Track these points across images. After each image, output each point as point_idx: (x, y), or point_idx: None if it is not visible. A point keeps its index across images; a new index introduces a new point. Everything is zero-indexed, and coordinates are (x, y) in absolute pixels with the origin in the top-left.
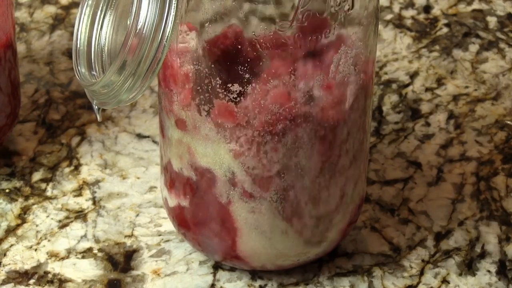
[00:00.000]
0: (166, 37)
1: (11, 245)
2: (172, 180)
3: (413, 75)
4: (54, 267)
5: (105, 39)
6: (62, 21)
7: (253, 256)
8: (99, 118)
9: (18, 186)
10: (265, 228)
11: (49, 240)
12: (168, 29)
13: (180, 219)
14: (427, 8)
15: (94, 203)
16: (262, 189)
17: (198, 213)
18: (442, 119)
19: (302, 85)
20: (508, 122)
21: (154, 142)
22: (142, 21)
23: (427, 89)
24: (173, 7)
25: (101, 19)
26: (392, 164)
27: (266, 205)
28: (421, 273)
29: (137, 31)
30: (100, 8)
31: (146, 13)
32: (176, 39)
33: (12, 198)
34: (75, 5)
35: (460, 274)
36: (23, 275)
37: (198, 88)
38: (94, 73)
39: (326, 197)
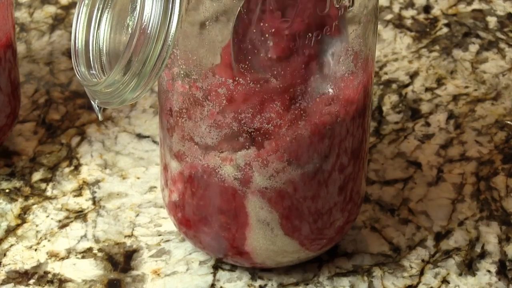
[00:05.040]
0: (170, 36)
1: (11, 245)
2: (177, 172)
3: (413, 75)
4: (54, 267)
5: (103, 38)
6: (62, 21)
7: (258, 252)
8: (100, 117)
9: (18, 186)
10: (272, 224)
11: (49, 240)
12: (172, 28)
13: (182, 215)
14: (427, 8)
15: (94, 203)
16: (269, 188)
17: (203, 207)
18: (442, 119)
19: (303, 82)
20: (508, 122)
21: (154, 142)
22: (146, 20)
23: (427, 89)
24: (176, 5)
25: (98, 18)
26: (392, 164)
27: (273, 201)
28: (421, 273)
29: (142, 30)
30: (97, 7)
31: (150, 12)
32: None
33: (12, 198)
34: (75, 5)
35: (460, 274)
36: (23, 275)
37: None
38: (94, 72)
39: (325, 195)
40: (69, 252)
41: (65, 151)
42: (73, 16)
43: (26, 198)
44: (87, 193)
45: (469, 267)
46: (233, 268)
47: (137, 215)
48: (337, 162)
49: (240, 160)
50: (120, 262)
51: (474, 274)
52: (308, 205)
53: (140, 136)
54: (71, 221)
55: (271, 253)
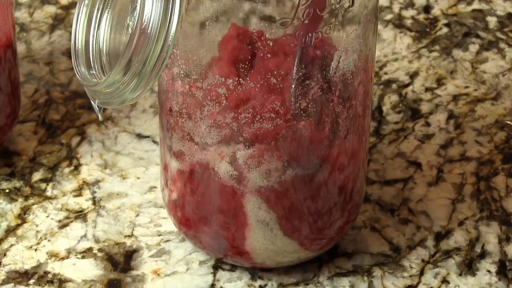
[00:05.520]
0: (170, 36)
1: (11, 245)
2: (177, 172)
3: (413, 75)
4: (54, 267)
5: (103, 38)
6: (62, 21)
7: (258, 252)
8: (100, 117)
9: (18, 186)
10: (272, 224)
11: (49, 240)
12: (172, 28)
13: (182, 214)
14: (427, 8)
15: (94, 203)
16: (269, 188)
17: (203, 207)
18: (442, 119)
19: (303, 82)
20: (508, 122)
21: (154, 142)
22: (146, 20)
23: (427, 89)
24: (176, 5)
25: (98, 18)
26: (392, 164)
27: (271, 201)
28: (421, 273)
29: (142, 30)
30: (97, 7)
31: (150, 12)
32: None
33: (12, 198)
34: (75, 5)
35: (460, 274)
36: (23, 275)
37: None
38: (94, 72)
39: (325, 195)
40: (69, 252)
41: (65, 151)
42: (73, 16)
43: (26, 198)
44: (87, 193)
45: (469, 267)
46: (233, 268)
47: (137, 215)
48: (337, 162)
49: (240, 160)
50: (120, 262)
51: (474, 274)
52: (307, 205)
53: (140, 136)
54: (71, 221)
55: (271, 253)
